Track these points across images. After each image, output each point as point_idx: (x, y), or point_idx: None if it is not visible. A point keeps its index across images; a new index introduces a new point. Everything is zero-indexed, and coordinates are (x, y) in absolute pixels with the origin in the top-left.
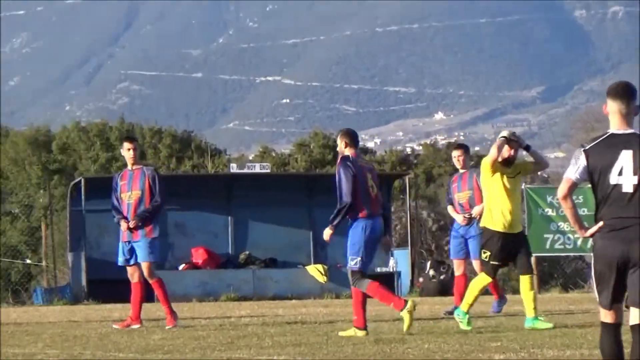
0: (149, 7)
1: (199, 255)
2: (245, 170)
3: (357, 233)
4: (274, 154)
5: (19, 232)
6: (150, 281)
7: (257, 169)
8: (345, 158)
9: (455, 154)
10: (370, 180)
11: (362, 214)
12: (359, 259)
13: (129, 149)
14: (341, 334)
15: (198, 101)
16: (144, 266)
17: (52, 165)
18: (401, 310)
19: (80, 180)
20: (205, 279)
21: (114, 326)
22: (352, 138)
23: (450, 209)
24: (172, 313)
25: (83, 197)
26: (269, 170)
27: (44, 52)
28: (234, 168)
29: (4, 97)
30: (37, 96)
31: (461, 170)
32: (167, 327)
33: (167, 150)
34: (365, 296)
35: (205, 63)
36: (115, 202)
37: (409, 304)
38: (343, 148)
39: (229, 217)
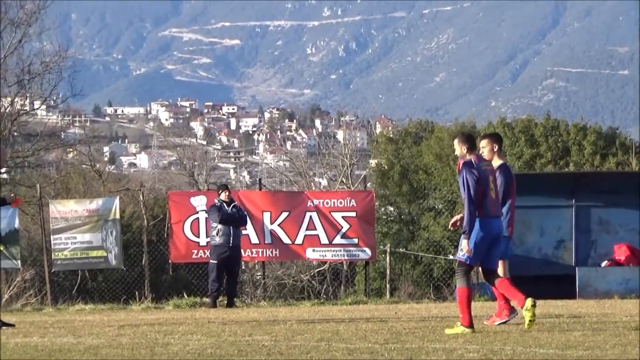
0: (575, 4)
1: (621, 252)
2: None
3: (475, 230)
4: None
5: (442, 227)
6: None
7: None
8: (468, 163)
9: None
10: (491, 184)
11: (480, 214)
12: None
13: None
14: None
15: (624, 98)
16: (502, 264)
17: None
18: (466, 326)
19: None
20: (627, 275)
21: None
22: (471, 142)
23: None
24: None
25: None
26: None
27: (470, 48)
28: None
29: (429, 92)
30: (461, 92)
31: None
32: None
33: (592, 147)
34: (470, 293)
35: (631, 60)
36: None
37: (528, 302)
38: (464, 153)
39: None
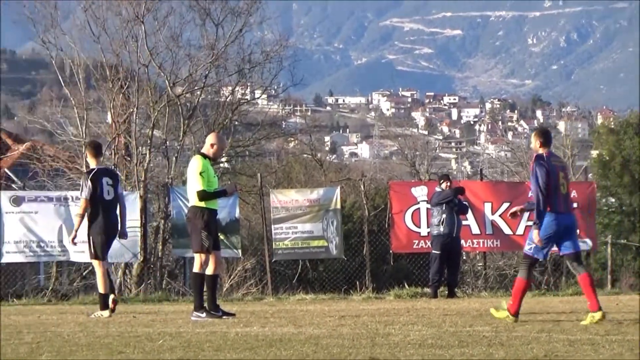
0: None
1: None
2: None
3: (544, 225)
4: None
5: None
6: None
7: None
8: (539, 157)
9: None
10: (562, 179)
11: (549, 209)
12: (534, 245)
13: None
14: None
15: None
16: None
17: None
18: (594, 311)
19: None
20: None
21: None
22: (546, 137)
23: None
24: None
25: None
26: None
27: None
28: None
29: None
30: None
31: None
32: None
33: None
34: (527, 286)
35: None
36: None
37: (512, 318)
38: (537, 147)
39: None
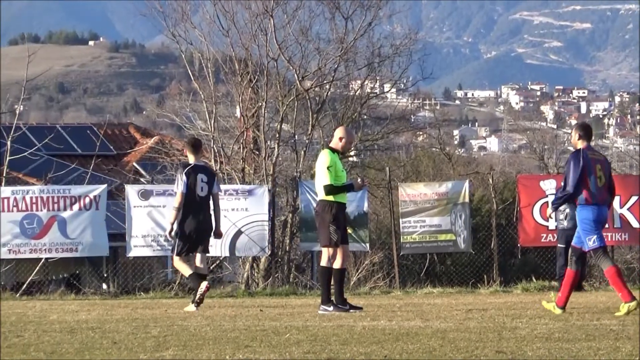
0: None
1: None
2: None
3: (586, 216)
4: None
5: None
6: None
7: None
8: (577, 151)
9: None
10: (599, 172)
11: (588, 201)
12: (595, 236)
13: None
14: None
15: None
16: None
17: None
18: (627, 302)
19: None
20: None
21: None
22: (586, 132)
23: None
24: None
25: None
26: None
27: None
28: None
29: None
30: None
31: None
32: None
33: None
34: (618, 269)
35: None
36: None
37: (634, 303)
38: (576, 140)
39: None
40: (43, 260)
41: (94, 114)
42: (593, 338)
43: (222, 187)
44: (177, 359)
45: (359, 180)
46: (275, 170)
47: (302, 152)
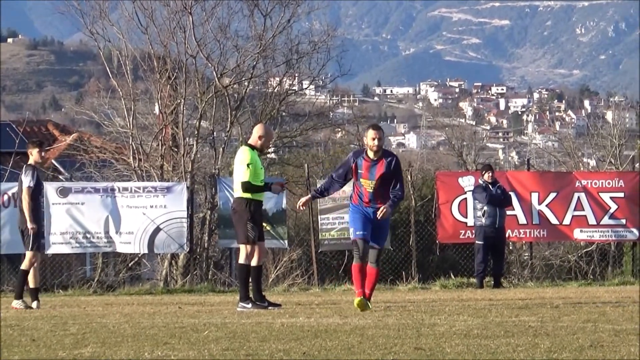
0: None
1: None
2: None
3: None
4: None
5: None
6: None
7: None
8: None
9: None
10: None
11: None
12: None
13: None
14: None
15: None
16: None
17: None
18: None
19: None
20: None
21: None
22: None
23: None
24: None
25: None
26: None
27: None
28: None
29: None
30: None
31: None
32: None
33: None
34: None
35: None
36: None
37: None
38: None
39: None
40: None
41: (12, 111)
42: (512, 335)
43: (141, 184)
44: (95, 356)
45: (279, 185)
46: (193, 167)
47: (221, 149)
